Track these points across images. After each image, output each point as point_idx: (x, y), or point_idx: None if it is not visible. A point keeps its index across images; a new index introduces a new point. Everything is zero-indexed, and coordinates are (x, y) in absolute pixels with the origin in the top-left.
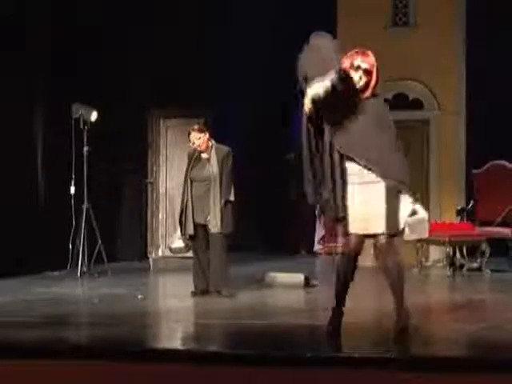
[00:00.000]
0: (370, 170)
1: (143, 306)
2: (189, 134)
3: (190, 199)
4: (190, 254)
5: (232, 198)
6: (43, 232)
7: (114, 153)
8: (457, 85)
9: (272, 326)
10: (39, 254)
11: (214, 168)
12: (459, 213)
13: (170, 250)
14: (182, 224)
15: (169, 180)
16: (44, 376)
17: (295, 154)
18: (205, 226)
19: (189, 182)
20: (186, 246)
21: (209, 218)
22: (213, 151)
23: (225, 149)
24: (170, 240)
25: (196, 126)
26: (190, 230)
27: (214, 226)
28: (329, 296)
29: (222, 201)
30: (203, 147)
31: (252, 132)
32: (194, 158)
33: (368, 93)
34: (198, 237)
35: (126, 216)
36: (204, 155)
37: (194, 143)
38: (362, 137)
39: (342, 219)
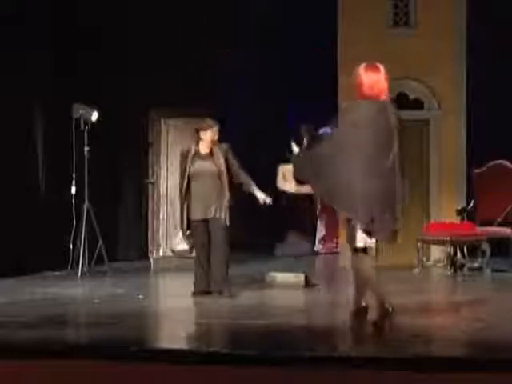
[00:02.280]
0: None
1: (144, 305)
2: (204, 128)
3: (190, 196)
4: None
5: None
6: (44, 232)
7: (115, 153)
8: (457, 84)
9: (272, 325)
10: (40, 254)
11: (219, 163)
12: (460, 212)
13: (173, 252)
14: (182, 221)
15: (169, 180)
16: (44, 376)
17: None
18: (206, 222)
19: (186, 179)
20: (191, 248)
21: (214, 212)
22: (215, 147)
23: (224, 145)
24: (172, 242)
25: (212, 122)
26: (187, 227)
27: (221, 218)
28: (329, 296)
29: (253, 184)
30: (213, 144)
31: (252, 132)
32: (193, 155)
33: None
34: (200, 233)
35: (126, 216)
36: (204, 151)
37: (209, 135)
38: None
39: None
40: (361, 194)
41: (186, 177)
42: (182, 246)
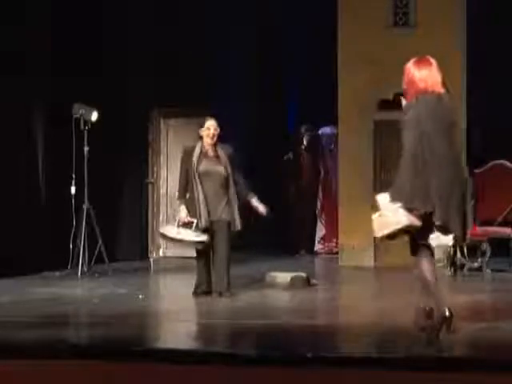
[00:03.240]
0: None
1: (144, 305)
2: (202, 123)
3: (201, 195)
4: (189, 254)
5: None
6: (44, 232)
7: (115, 153)
8: (457, 84)
9: (272, 325)
10: (39, 254)
11: (225, 165)
12: None
13: (162, 236)
14: (197, 215)
15: (169, 180)
16: (44, 376)
17: (293, 154)
18: (212, 224)
19: (197, 177)
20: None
21: (220, 214)
22: (219, 149)
23: (230, 148)
24: (162, 227)
25: (209, 117)
26: (206, 223)
27: (234, 224)
28: (329, 296)
29: (238, 201)
30: (214, 140)
31: (252, 132)
32: (199, 155)
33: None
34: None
35: (126, 216)
36: (211, 152)
37: (209, 129)
38: None
39: None
40: (436, 188)
41: (197, 177)
42: (182, 235)
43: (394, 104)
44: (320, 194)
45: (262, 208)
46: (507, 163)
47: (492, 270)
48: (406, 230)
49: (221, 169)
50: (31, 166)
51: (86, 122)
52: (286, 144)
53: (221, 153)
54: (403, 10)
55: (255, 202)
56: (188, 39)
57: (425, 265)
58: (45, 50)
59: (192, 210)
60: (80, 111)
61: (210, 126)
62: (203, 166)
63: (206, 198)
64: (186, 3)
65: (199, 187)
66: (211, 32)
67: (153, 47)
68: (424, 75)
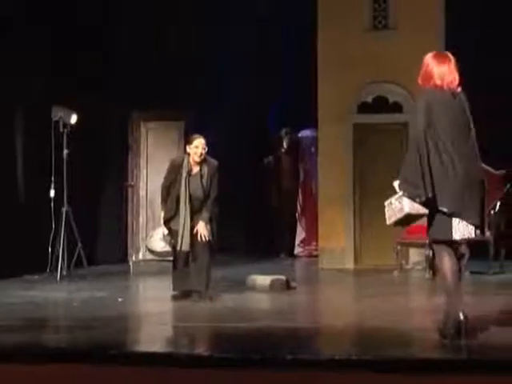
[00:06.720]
0: None
1: (124, 309)
2: (190, 140)
3: (188, 216)
4: (168, 257)
5: (217, 210)
6: (22, 235)
7: (95, 156)
8: None
9: (252, 328)
10: (18, 258)
11: (206, 183)
12: None
13: (152, 252)
14: (179, 238)
15: (149, 183)
16: (24, 380)
17: (273, 157)
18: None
19: (188, 197)
20: (172, 249)
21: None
22: (205, 164)
23: (215, 162)
24: (150, 242)
25: (198, 135)
26: (187, 247)
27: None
28: (309, 298)
29: (208, 215)
30: (202, 158)
31: (232, 135)
32: (186, 175)
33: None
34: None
35: (106, 219)
36: (196, 169)
37: (197, 147)
38: None
39: None
40: (451, 179)
41: (187, 194)
42: (161, 246)
43: (373, 107)
44: (300, 197)
45: (201, 234)
46: (485, 166)
47: (471, 273)
48: (416, 216)
49: (202, 193)
50: (10, 169)
51: (65, 125)
52: (266, 147)
53: (204, 170)
54: (382, 13)
55: (200, 225)
56: (170, 42)
57: (446, 263)
58: (33, 50)
59: (171, 211)
60: (59, 114)
61: (199, 145)
62: (189, 190)
63: (190, 219)
64: (178, 5)
65: (188, 211)
66: (194, 34)
67: (134, 50)
68: (442, 72)
